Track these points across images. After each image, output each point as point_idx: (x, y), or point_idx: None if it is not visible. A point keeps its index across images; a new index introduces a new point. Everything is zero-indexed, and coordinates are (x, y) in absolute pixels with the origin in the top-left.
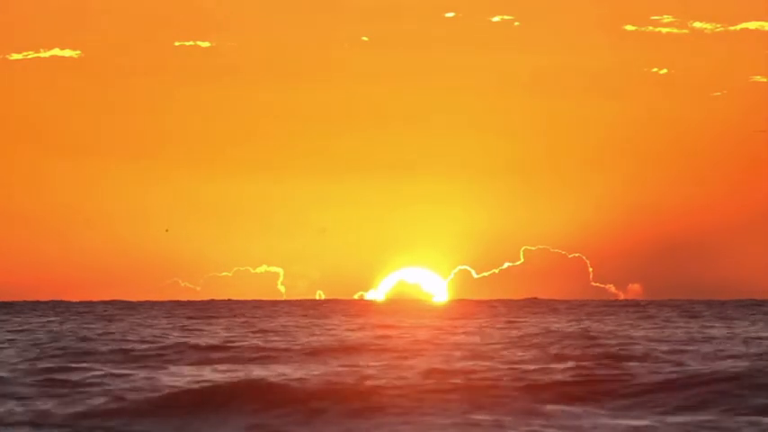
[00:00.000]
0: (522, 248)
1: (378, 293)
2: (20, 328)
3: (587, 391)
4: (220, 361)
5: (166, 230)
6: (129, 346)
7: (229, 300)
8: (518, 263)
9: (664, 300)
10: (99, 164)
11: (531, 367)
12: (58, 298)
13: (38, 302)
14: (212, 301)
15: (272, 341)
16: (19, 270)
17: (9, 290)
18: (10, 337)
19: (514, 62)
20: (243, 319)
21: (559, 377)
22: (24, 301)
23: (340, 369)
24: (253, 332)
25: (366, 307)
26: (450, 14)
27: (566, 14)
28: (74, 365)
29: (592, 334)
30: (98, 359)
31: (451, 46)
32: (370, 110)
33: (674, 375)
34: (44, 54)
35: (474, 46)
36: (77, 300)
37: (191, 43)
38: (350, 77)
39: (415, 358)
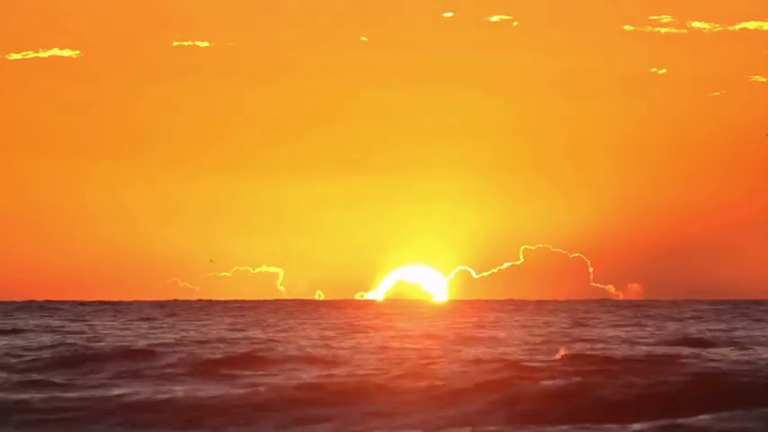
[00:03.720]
0: (522, 248)
1: (377, 293)
2: None
3: None
4: None
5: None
6: None
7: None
8: (518, 263)
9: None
10: (98, 163)
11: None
12: (51, 298)
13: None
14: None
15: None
16: (7, 270)
17: None
18: None
19: (512, 62)
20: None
21: None
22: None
23: None
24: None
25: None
26: (449, 14)
27: (564, 14)
28: None
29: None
30: None
31: (450, 46)
32: (368, 109)
33: None
34: (43, 54)
35: (472, 46)
36: (75, 299)
37: (189, 43)
38: (348, 77)
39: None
